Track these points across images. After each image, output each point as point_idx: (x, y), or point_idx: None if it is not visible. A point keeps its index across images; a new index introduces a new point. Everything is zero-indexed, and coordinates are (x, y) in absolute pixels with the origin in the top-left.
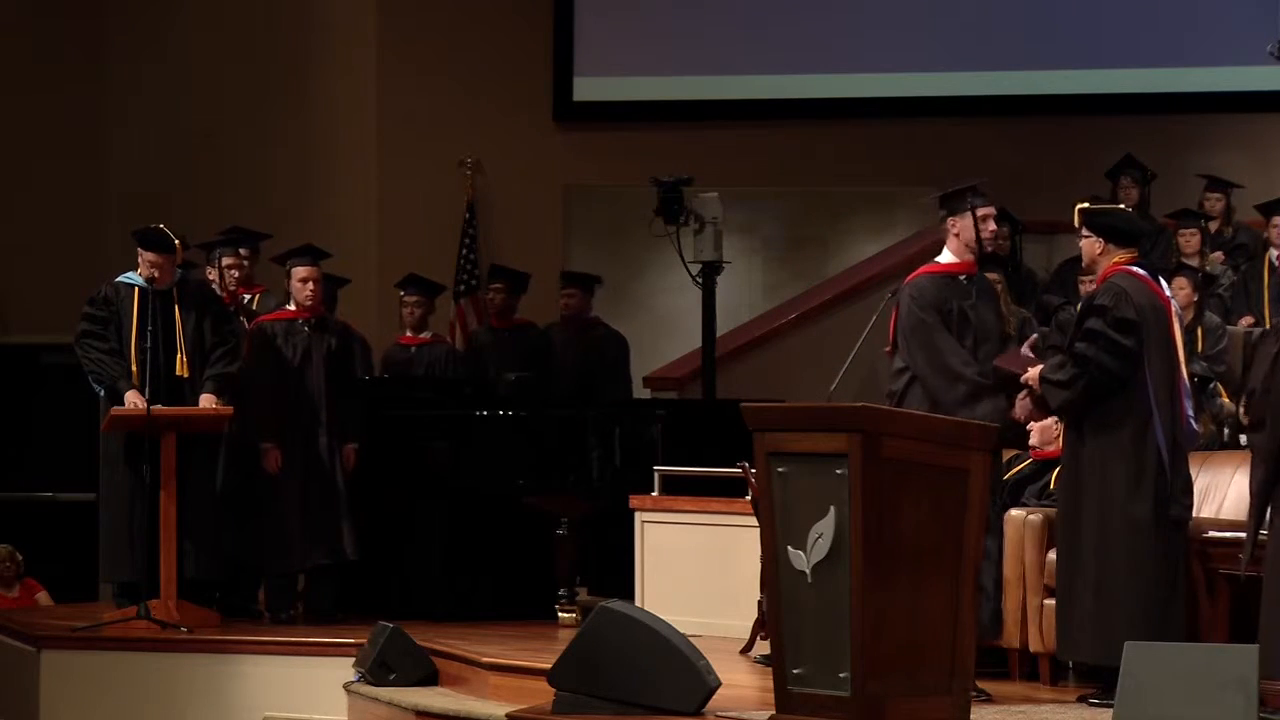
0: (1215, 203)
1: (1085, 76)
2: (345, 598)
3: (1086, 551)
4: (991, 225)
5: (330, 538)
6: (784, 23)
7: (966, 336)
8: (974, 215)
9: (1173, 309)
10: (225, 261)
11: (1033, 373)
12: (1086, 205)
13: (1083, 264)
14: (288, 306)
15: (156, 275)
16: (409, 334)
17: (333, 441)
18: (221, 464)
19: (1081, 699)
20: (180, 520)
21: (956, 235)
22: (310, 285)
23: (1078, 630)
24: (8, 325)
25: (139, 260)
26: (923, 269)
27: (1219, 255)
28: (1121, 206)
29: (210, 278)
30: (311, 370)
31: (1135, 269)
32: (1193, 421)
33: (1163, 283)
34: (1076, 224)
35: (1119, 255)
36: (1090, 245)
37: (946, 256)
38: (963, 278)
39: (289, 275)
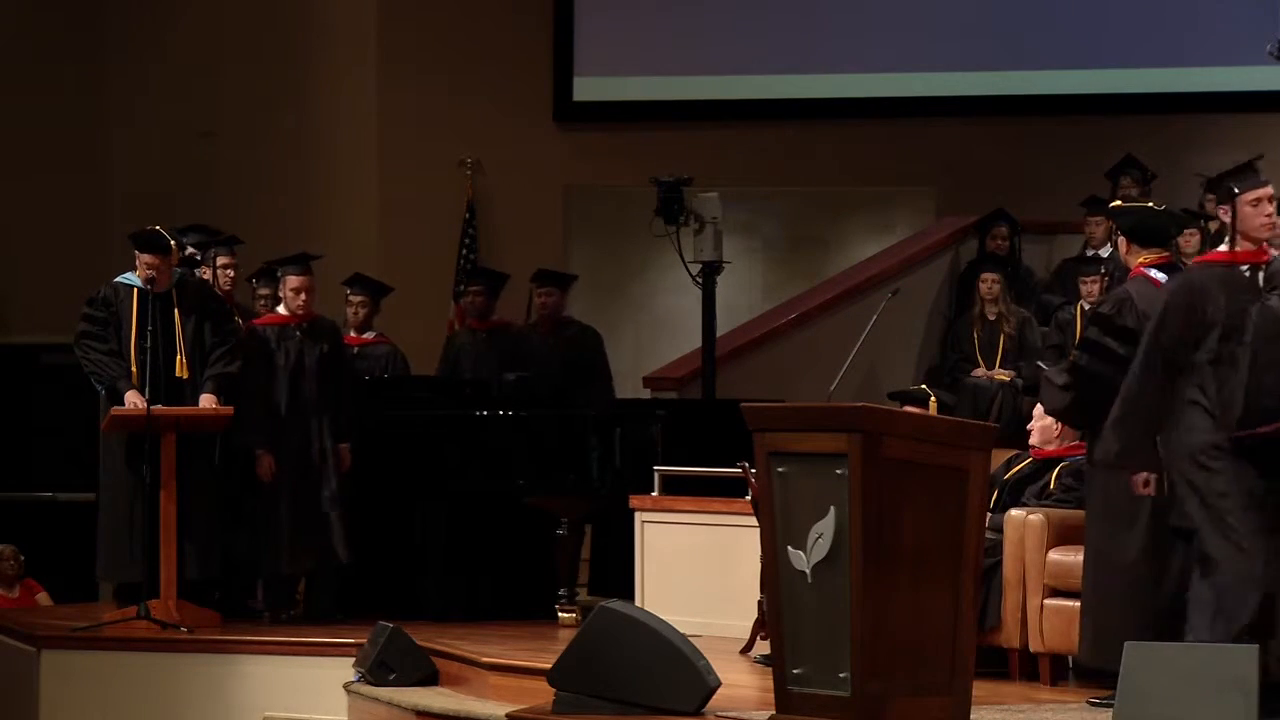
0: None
1: (1085, 76)
2: (345, 598)
3: (1091, 558)
4: (1266, 210)
5: (321, 542)
6: (784, 23)
7: (1237, 337)
8: (1235, 203)
9: None
10: (221, 261)
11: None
12: (1116, 204)
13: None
14: (279, 311)
15: (155, 277)
16: (352, 334)
17: (325, 446)
18: (218, 465)
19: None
20: (180, 520)
21: (1230, 222)
22: (303, 296)
23: (1083, 635)
24: (8, 325)
25: (137, 262)
26: (1201, 256)
27: None
28: (1149, 204)
29: (204, 276)
30: (305, 375)
31: (1153, 272)
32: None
33: None
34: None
35: (1144, 255)
36: (1120, 244)
37: (1226, 244)
38: (1244, 268)
39: (282, 282)
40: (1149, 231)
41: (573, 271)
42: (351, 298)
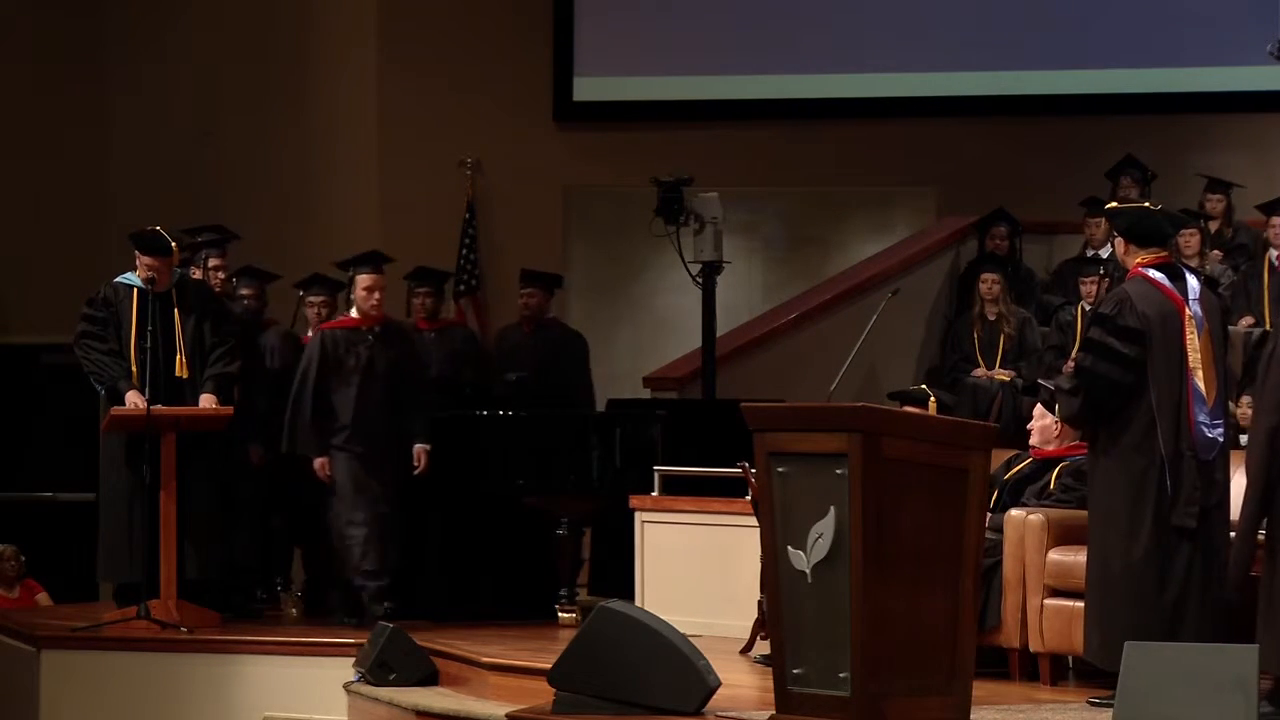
0: (1216, 204)
1: (1085, 76)
2: (345, 598)
3: (1095, 558)
4: None
5: (379, 550)
6: (784, 23)
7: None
8: None
9: (1187, 314)
10: (211, 263)
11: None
12: (1112, 205)
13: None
14: (350, 314)
15: (155, 278)
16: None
17: (389, 452)
18: (226, 464)
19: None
20: (180, 520)
21: None
22: (375, 295)
23: (1088, 634)
24: (8, 325)
25: (137, 263)
26: None
27: (1218, 254)
28: (1145, 205)
29: (195, 277)
30: (375, 379)
31: (1152, 273)
32: (1206, 430)
33: (1189, 283)
34: (1103, 225)
35: (1142, 255)
36: (1118, 245)
37: None
38: None
39: (352, 283)
40: (1146, 232)
41: (573, 272)
42: (311, 299)
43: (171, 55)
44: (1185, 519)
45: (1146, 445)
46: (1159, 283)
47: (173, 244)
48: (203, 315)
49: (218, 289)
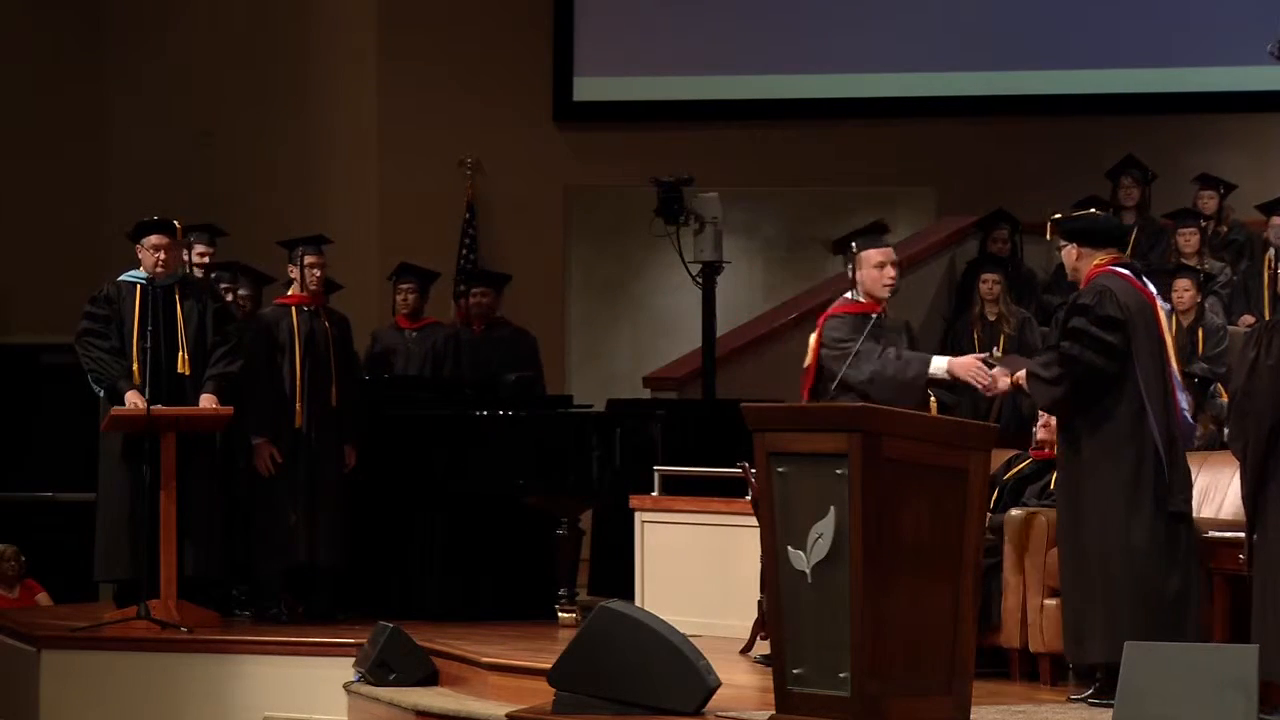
0: (1209, 201)
1: (1085, 76)
2: (344, 598)
3: (1091, 553)
4: None
5: None
6: (784, 23)
7: None
8: None
9: (1159, 306)
10: (308, 260)
11: (1021, 373)
12: (1057, 216)
13: (1067, 275)
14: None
15: (163, 257)
16: None
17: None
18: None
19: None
20: (180, 520)
21: None
22: (890, 269)
23: (1088, 633)
24: (8, 325)
25: (140, 255)
26: None
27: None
28: (1091, 210)
29: (292, 275)
30: None
31: (1119, 269)
32: (1188, 417)
33: (1148, 282)
34: (1048, 236)
35: (1100, 257)
36: (1068, 253)
37: None
38: None
39: (859, 257)
40: (1101, 233)
41: (573, 271)
42: (401, 286)
43: (171, 55)
44: (1182, 504)
45: (1137, 434)
46: (1129, 277)
47: (175, 222)
48: (204, 311)
49: (314, 288)
